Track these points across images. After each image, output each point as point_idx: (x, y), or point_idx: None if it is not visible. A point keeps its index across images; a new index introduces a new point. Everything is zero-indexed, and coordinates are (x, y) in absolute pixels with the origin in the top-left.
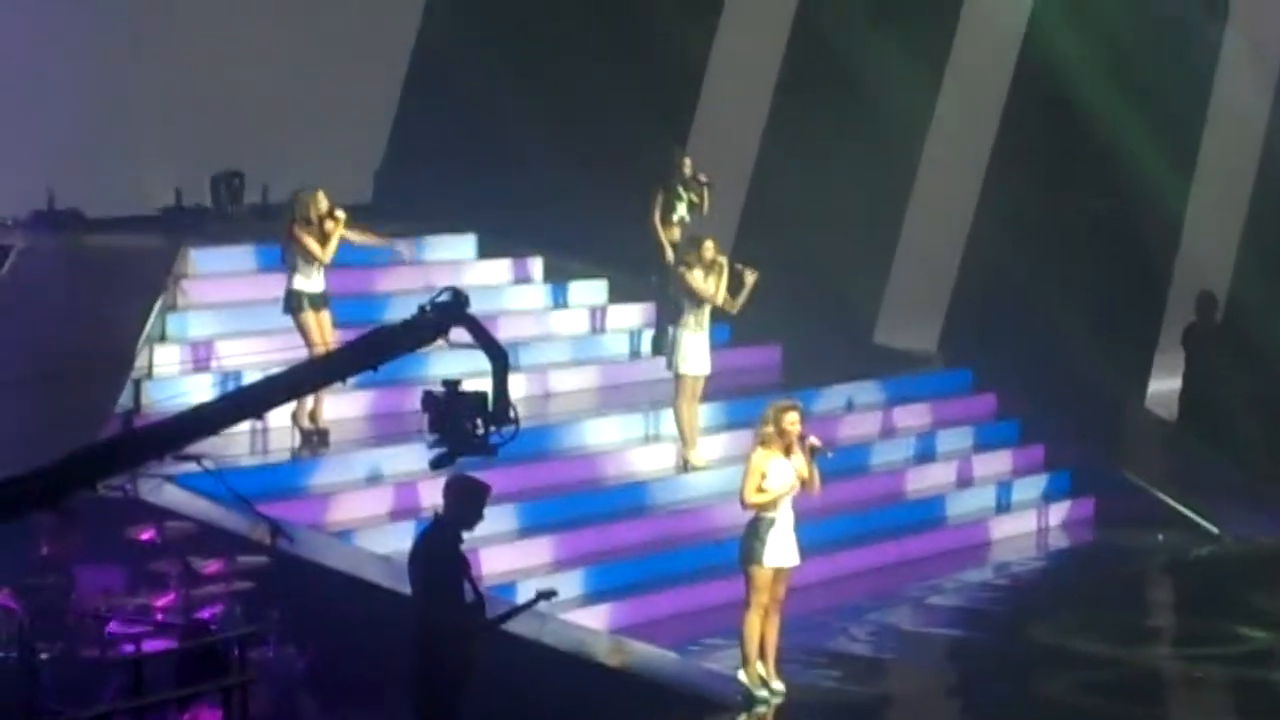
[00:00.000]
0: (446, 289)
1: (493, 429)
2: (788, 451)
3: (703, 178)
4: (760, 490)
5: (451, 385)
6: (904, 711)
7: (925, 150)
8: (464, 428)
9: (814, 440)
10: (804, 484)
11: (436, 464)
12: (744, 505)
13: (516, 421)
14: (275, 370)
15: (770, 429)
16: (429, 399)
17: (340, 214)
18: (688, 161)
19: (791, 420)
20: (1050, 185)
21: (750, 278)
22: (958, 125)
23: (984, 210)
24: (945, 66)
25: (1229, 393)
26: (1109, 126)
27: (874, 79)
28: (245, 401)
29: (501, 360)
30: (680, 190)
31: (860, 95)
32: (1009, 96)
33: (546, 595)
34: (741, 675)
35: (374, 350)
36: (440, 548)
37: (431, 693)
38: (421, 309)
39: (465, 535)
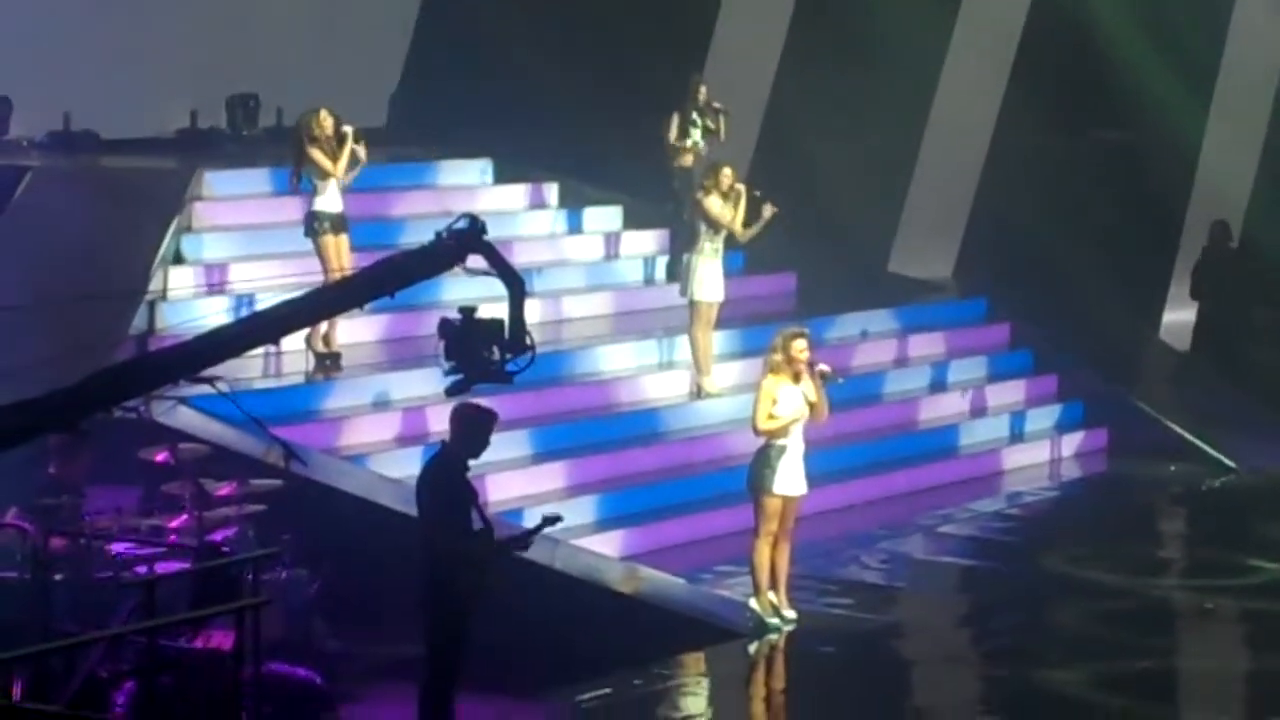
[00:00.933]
0: (463, 215)
1: (509, 356)
2: (797, 378)
3: (718, 105)
4: (771, 417)
5: (467, 312)
6: (915, 639)
7: (941, 79)
8: (480, 355)
9: (823, 366)
10: (813, 410)
11: (452, 390)
12: (756, 432)
13: (533, 349)
14: (292, 294)
15: (779, 356)
16: (445, 326)
17: (348, 128)
18: (703, 88)
19: (800, 347)
20: (1065, 117)
21: (768, 211)
22: (973, 55)
23: (999, 141)
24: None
25: (1244, 322)
26: (1124, 58)
27: (890, 7)
28: (262, 326)
29: (518, 287)
30: (695, 117)
31: (876, 24)
32: (1025, 28)
33: (551, 520)
34: (753, 603)
35: (391, 277)
36: (447, 475)
37: (440, 619)
38: (438, 235)
39: (472, 462)
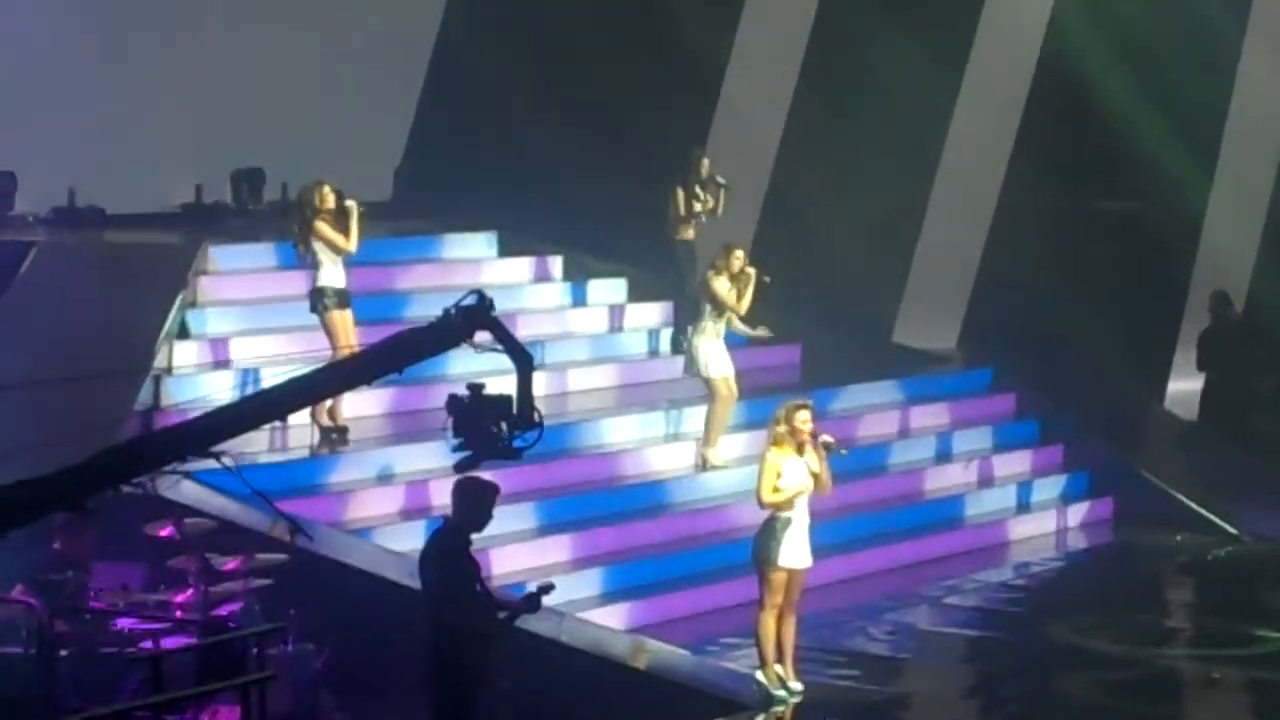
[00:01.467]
0: (472, 292)
1: (516, 432)
2: (800, 450)
3: (720, 179)
4: (776, 490)
5: (476, 388)
6: (922, 711)
7: (945, 150)
8: (488, 431)
9: (826, 437)
10: (817, 481)
11: (461, 467)
12: (761, 504)
13: (541, 425)
14: (299, 371)
15: (782, 428)
16: (453, 401)
17: (351, 202)
18: (705, 161)
19: (803, 419)
20: (1070, 185)
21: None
22: (978, 124)
23: (1003, 210)
24: (966, 66)
25: (1250, 391)
26: (1129, 126)
27: (894, 78)
28: (270, 403)
29: (526, 363)
30: (698, 190)
31: (880, 94)
32: (1029, 96)
33: (545, 589)
34: (759, 675)
35: (399, 353)
36: (451, 550)
37: (446, 695)
38: (446, 311)
39: (476, 535)
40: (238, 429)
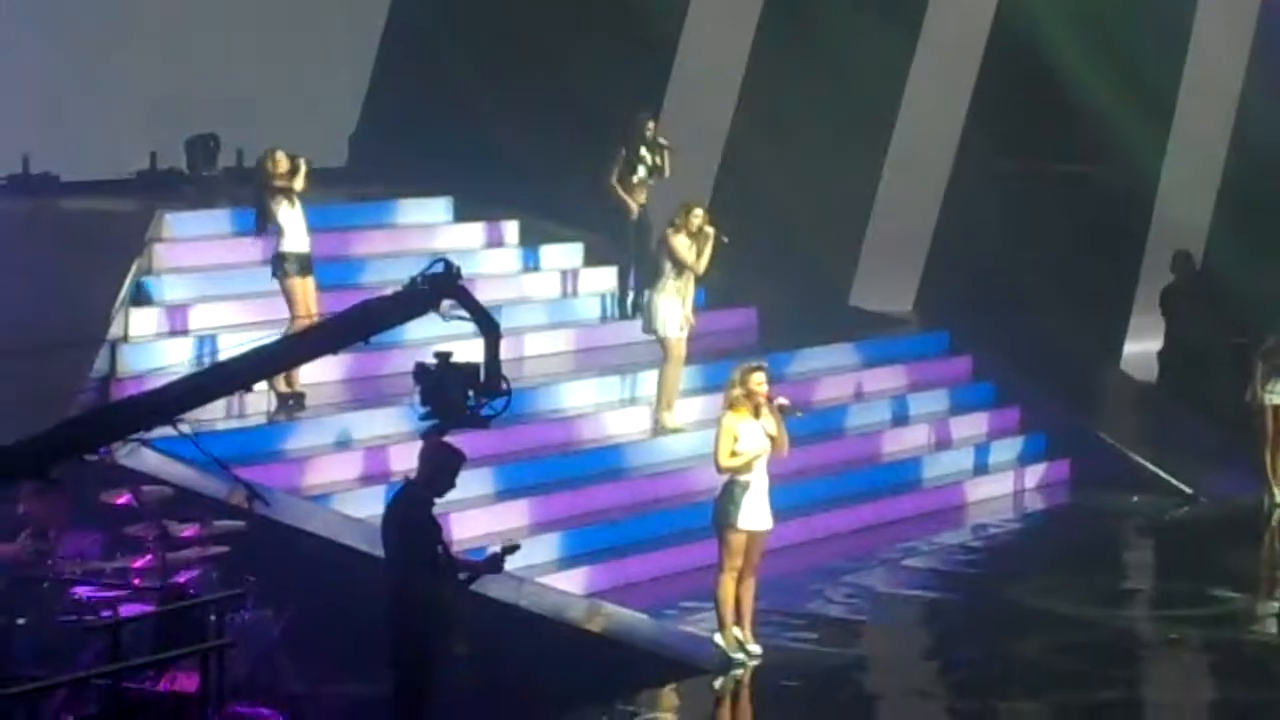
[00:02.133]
0: (437, 260)
1: (484, 400)
2: (757, 413)
3: (663, 141)
4: (734, 454)
5: (443, 356)
6: (880, 674)
7: (900, 113)
8: (456, 399)
9: (782, 400)
10: (774, 444)
11: (427, 435)
12: (719, 469)
13: (508, 393)
14: (262, 339)
15: (738, 391)
16: (421, 370)
17: (302, 160)
18: (650, 124)
19: (758, 381)
20: (1024, 149)
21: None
22: (932, 88)
23: (959, 173)
24: (920, 30)
25: (1207, 352)
26: (1083, 89)
27: (848, 42)
28: (233, 373)
29: (493, 331)
30: (643, 152)
31: (835, 57)
32: (983, 59)
33: (510, 549)
34: (718, 638)
35: (366, 322)
36: (413, 513)
37: (407, 660)
38: (413, 280)
39: (436, 500)
40: (202, 399)
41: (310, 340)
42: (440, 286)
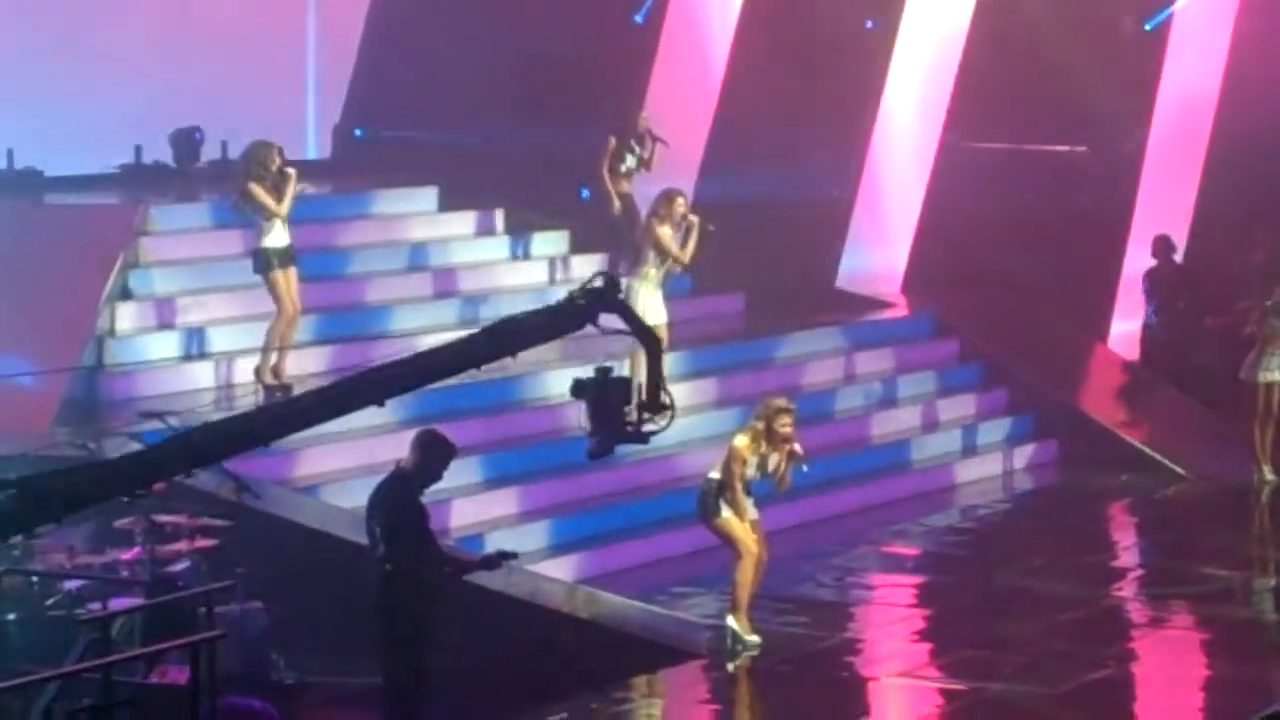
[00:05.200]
0: (599, 274)
1: (646, 416)
2: (770, 448)
3: (655, 133)
4: (738, 482)
5: (603, 372)
6: (871, 656)
7: (885, 96)
8: (618, 415)
9: (797, 447)
10: (776, 480)
11: (595, 454)
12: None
13: (672, 408)
14: (400, 358)
15: (761, 425)
16: (580, 386)
17: (291, 170)
18: (644, 116)
19: (784, 423)
20: (1010, 131)
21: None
22: (917, 71)
23: (944, 156)
24: (904, 10)
25: (1191, 334)
26: (1069, 71)
27: (833, 25)
28: (361, 389)
29: (654, 345)
30: (633, 143)
31: (819, 42)
32: (967, 40)
33: (507, 556)
34: (731, 621)
35: (513, 337)
36: (401, 500)
37: (396, 649)
38: (571, 295)
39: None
40: (322, 415)
41: (449, 356)
42: (599, 301)
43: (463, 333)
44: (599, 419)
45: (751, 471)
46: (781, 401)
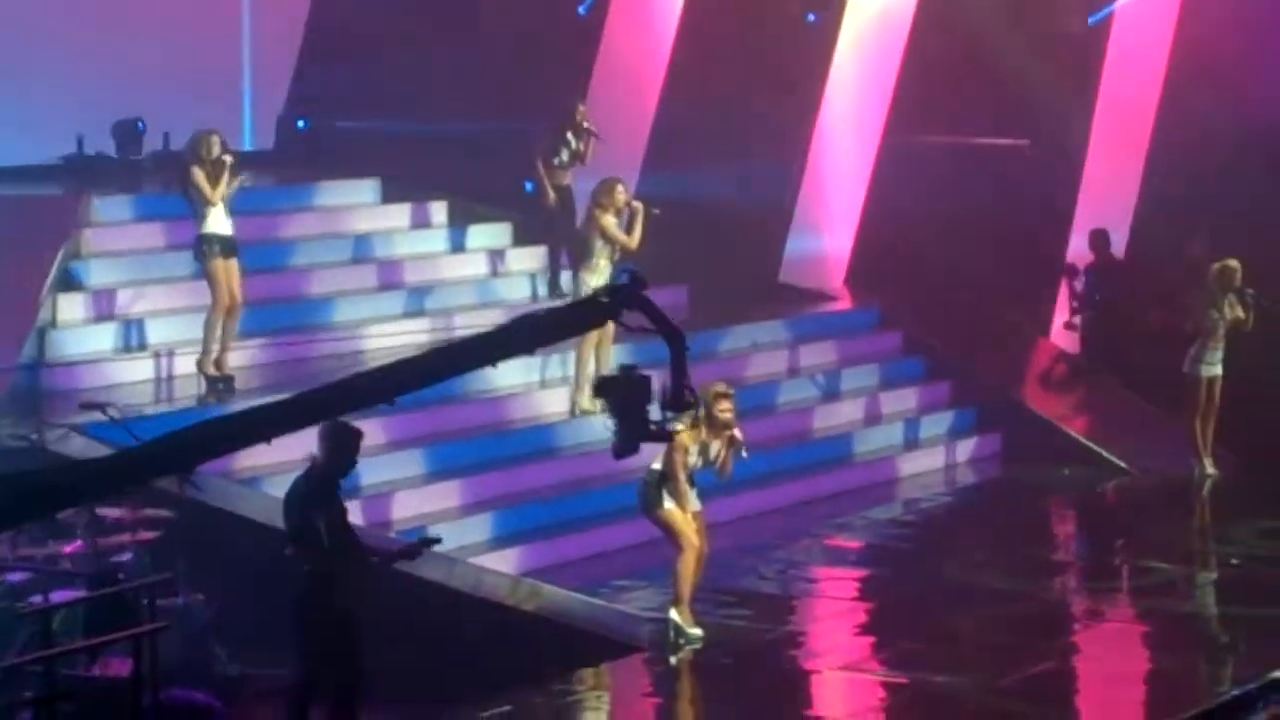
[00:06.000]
0: (624, 270)
1: (669, 414)
2: (711, 435)
3: (590, 127)
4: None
5: (628, 370)
6: (814, 650)
7: (828, 88)
8: (642, 413)
9: (737, 433)
10: (718, 468)
11: (622, 453)
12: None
13: (696, 406)
14: (418, 352)
15: (701, 411)
16: (605, 384)
17: (229, 158)
18: (581, 109)
19: (724, 409)
20: (952, 123)
21: (644, 212)
22: (859, 62)
23: (887, 148)
24: (846, 6)
25: (1132, 326)
26: (1012, 65)
27: (776, 19)
28: (373, 386)
29: (680, 342)
30: (570, 136)
31: (762, 35)
32: (910, 33)
33: (429, 542)
34: (674, 614)
35: (532, 334)
36: (314, 493)
37: (308, 638)
38: (595, 291)
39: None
40: (334, 409)
41: (462, 352)
42: (624, 298)
43: (406, 324)
44: (623, 418)
45: (694, 460)
46: (720, 386)
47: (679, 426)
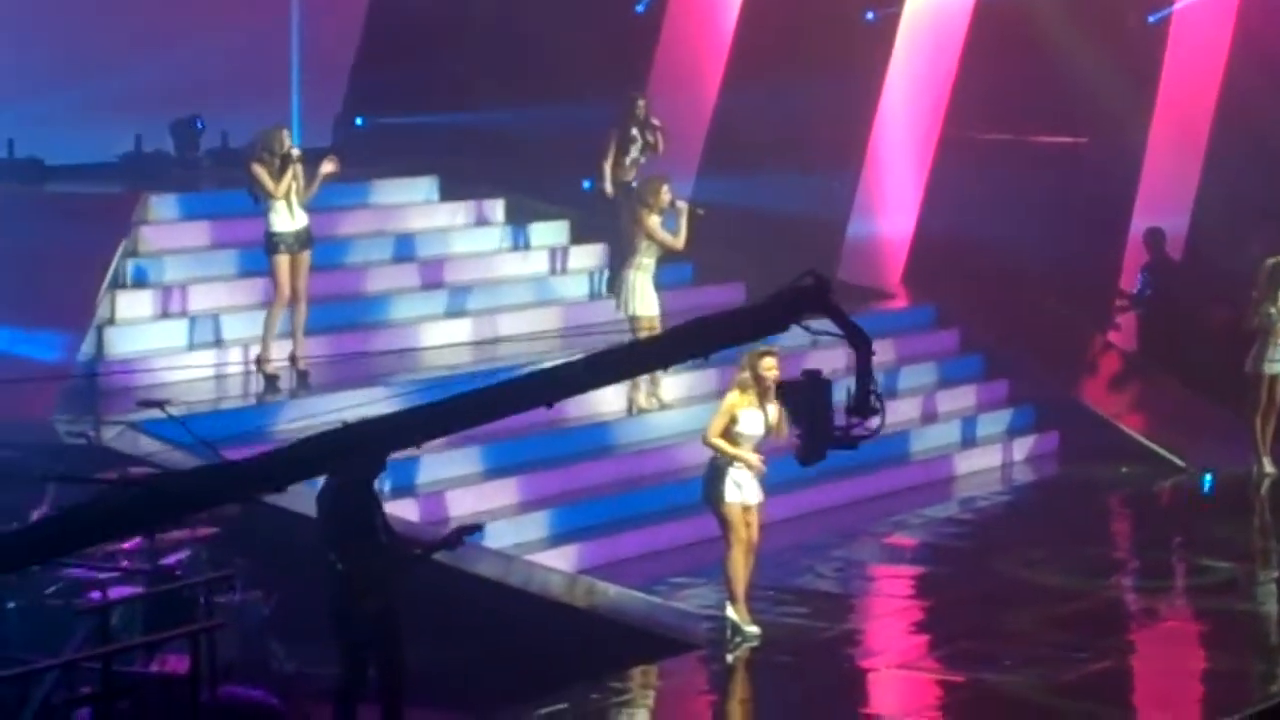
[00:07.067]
0: (807, 273)
1: (854, 420)
2: (763, 398)
3: (656, 121)
4: (724, 436)
5: (811, 374)
6: (871, 648)
7: (886, 87)
8: (828, 420)
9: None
10: (775, 430)
11: (808, 461)
12: (704, 441)
13: (882, 412)
14: (573, 359)
15: (746, 374)
16: (787, 389)
17: (296, 152)
18: (642, 104)
19: (767, 365)
20: (1011, 122)
21: (691, 211)
22: (918, 61)
23: (945, 146)
24: (905, 3)
25: (1190, 324)
26: (1071, 63)
27: (835, 16)
28: (539, 387)
29: (866, 347)
30: (635, 133)
31: (821, 32)
32: (969, 30)
33: (470, 530)
34: (730, 612)
35: (711, 337)
36: (340, 493)
37: (348, 639)
38: (779, 294)
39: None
40: (497, 412)
41: (633, 356)
42: (808, 301)
43: (460, 322)
44: (807, 424)
45: (754, 429)
46: (760, 346)
47: (865, 432)
